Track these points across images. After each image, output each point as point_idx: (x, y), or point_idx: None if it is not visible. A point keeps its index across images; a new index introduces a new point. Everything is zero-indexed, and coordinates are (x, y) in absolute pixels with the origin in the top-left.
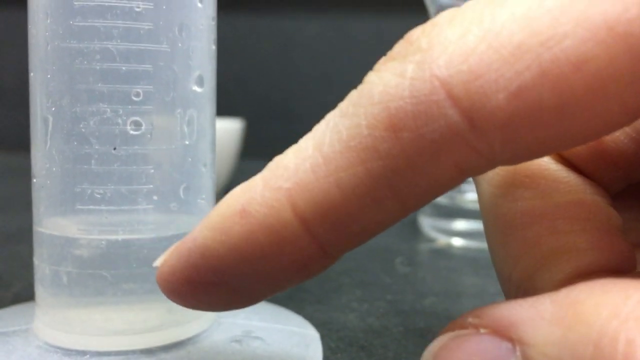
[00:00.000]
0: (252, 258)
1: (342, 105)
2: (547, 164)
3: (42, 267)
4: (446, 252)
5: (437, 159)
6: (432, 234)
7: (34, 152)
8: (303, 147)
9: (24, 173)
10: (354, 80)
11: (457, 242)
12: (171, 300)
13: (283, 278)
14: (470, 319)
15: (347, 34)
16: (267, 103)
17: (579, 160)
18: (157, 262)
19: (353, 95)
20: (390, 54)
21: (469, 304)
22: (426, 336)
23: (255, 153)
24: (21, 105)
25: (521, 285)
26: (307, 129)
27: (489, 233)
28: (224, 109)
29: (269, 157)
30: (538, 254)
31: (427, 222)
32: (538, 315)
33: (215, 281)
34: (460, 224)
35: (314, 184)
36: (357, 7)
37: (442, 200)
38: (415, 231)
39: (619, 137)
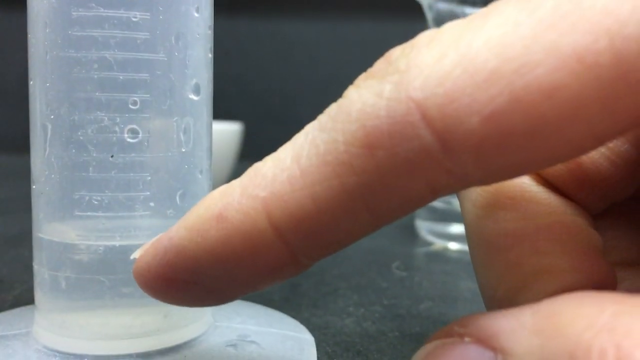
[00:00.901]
0: (226, 261)
1: (322, 119)
2: (528, 186)
3: (41, 271)
4: (442, 256)
5: (410, 178)
6: (429, 237)
7: (34, 158)
8: (282, 157)
9: (26, 175)
10: (349, 84)
11: (453, 246)
12: (146, 293)
13: (256, 281)
14: (456, 328)
15: (345, 38)
16: (266, 106)
17: (560, 182)
18: (135, 255)
19: (332, 110)
20: (370, 71)
21: (465, 308)
22: (422, 341)
23: (253, 156)
24: (23, 107)
25: (504, 304)
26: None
27: (473, 253)
28: (222, 112)
29: None
30: (520, 275)
31: (423, 226)
32: (519, 325)
33: (189, 280)
34: (457, 228)
35: (290, 195)
36: (355, 11)
37: (438, 204)
38: (412, 235)
39: (598, 160)
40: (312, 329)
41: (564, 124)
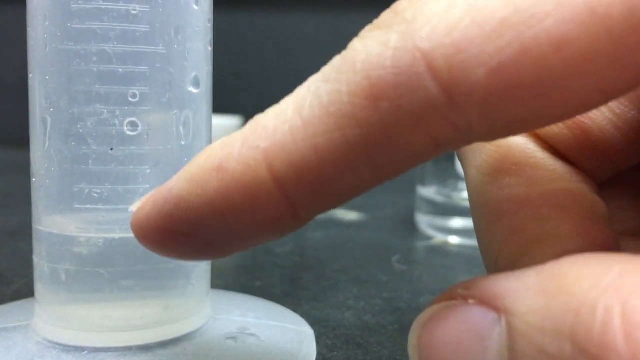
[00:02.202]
0: (225, 213)
1: (325, 70)
2: (533, 152)
3: (41, 264)
4: (443, 250)
5: (413, 131)
6: (429, 231)
7: (33, 152)
8: (284, 108)
9: (25, 169)
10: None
11: (453, 240)
12: (144, 246)
13: (254, 235)
14: (459, 291)
15: (345, 31)
16: (266, 100)
17: (566, 149)
18: (133, 207)
19: (336, 61)
20: (376, 22)
21: None
22: None
23: None
24: (21, 100)
25: (506, 270)
26: None
27: (476, 219)
28: (222, 106)
29: None
30: (523, 240)
31: (424, 220)
32: (523, 286)
33: (188, 232)
34: (457, 222)
35: (291, 147)
36: (356, 4)
37: (439, 198)
38: (412, 229)
39: (605, 126)
40: (312, 322)
41: (572, 78)
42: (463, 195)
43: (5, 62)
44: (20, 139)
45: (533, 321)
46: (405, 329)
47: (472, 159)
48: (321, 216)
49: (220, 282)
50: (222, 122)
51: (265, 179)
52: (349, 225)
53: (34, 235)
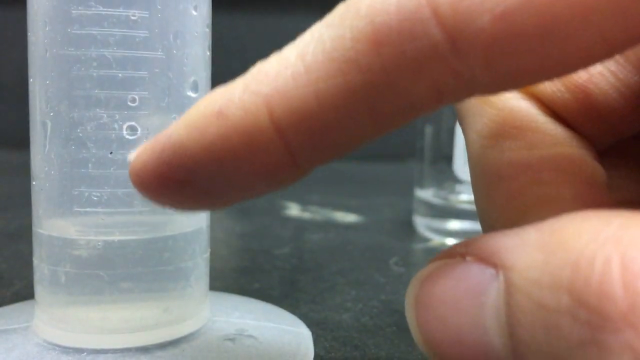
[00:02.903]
0: (224, 159)
1: (329, 17)
2: (535, 116)
3: (41, 267)
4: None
5: (416, 78)
6: (427, 233)
7: (34, 155)
8: (286, 55)
9: (23, 171)
10: None
11: (451, 242)
12: (141, 194)
13: (252, 183)
14: (457, 249)
15: None
16: None
17: (568, 114)
18: (131, 157)
19: (340, 8)
20: None
21: None
22: None
23: None
24: (21, 103)
25: None
26: None
27: (475, 184)
28: None
29: None
30: (522, 204)
31: (421, 222)
32: (522, 242)
33: (185, 179)
34: (454, 224)
35: (293, 92)
36: None
37: (436, 200)
38: (410, 231)
39: (607, 90)
40: (310, 324)
41: (576, 26)
42: (460, 198)
43: (5, 63)
44: (19, 140)
45: (531, 276)
46: (403, 331)
47: (473, 122)
48: (320, 218)
49: (219, 284)
50: None
51: (265, 125)
52: (347, 227)
53: (34, 238)
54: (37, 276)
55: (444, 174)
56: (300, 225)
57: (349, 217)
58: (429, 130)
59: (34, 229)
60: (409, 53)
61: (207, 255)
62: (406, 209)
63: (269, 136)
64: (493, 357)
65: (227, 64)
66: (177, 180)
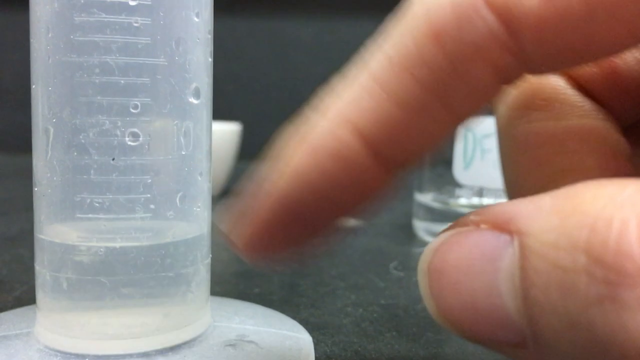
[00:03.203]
0: (322, 188)
1: (384, 35)
2: (563, 88)
3: (42, 273)
4: None
5: (476, 62)
6: (426, 237)
7: (36, 161)
8: (356, 78)
9: (24, 175)
10: None
11: None
12: (249, 257)
13: (351, 203)
14: (471, 217)
15: (343, 38)
16: (264, 106)
17: (595, 88)
18: (224, 226)
19: (393, 22)
20: None
21: None
22: (419, 341)
23: (251, 156)
24: (22, 107)
25: None
26: None
27: (503, 153)
28: (221, 112)
29: (263, 159)
30: (547, 172)
31: (421, 226)
32: (537, 208)
33: (291, 220)
34: None
35: (376, 110)
36: (354, 10)
37: (436, 204)
38: (410, 235)
39: (634, 66)
40: (311, 329)
41: (620, 8)
42: (460, 202)
43: (6, 68)
44: (20, 144)
45: (547, 239)
46: (403, 337)
47: (503, 95)
48: None
49: (219, 288)
50: (221, 127)
51: (356, 145)
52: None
53: (36, 244)
54: (38, 282)
55: (443, 178)
56: None
57: (350, 222)
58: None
59: (35, 234)
60: (467, 39)
61: (208, 261)
62: (405, 212)
63: (361, 154)
64: (507, 321)
65: (226, 69)
66: (283, 223)
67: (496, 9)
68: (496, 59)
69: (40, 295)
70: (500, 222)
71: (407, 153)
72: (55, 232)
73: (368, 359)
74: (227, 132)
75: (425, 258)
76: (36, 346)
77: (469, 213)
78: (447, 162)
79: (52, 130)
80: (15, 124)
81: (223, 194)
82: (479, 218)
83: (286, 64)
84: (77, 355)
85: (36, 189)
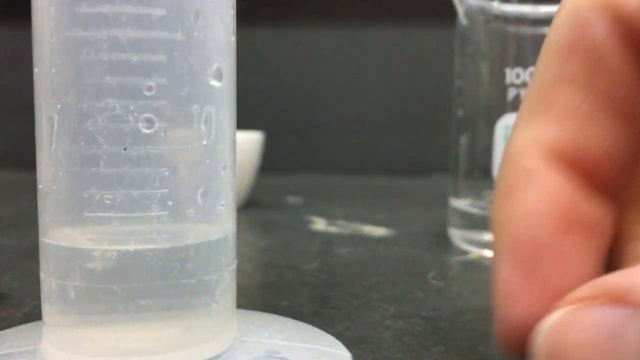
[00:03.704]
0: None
1: (538, 73)
2: None
3: (48, 281)
4: (479, 265)
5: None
6: (464, 246)
7: (39, 155)
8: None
9: (35, 190)
10: (373, 92)
11: (489, 254)
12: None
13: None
14: (581, 293)
15: (363, 47)
16: (286, 116)
17: None
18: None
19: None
20: None
21: None
22: (470, 357)
23: (273, 167)
24: (33, 122)
25: None
26: (325, 142)
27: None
28: (241, 123)
29: (287, 171)
30: None
31: (458, 234)
32: None
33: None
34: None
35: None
36: (375, 19)
37: (473, 210)
38: (446, 244)
39: None
40: (348, 344)
41: None
42: None
43: (19, 82)
44: (31, 162)
45: None
46: (451, 351)
47: None
48: (347, 232)
49: (244, 301)
50: (244, 137)
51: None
52: (377, 240)
53: (41, 249)
54: (44, 292)
55: (482, 182)
56: (327, 239)
57: (379, 231)
58: (464, 139)
59: (40, 239)
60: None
61: (233, 267)
62: (438, 221)
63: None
64: None
65: (245, 79)
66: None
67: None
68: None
69: (46, 307)
70: (618, 295)
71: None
72: (62, 234)
73: None
74: (249, 140)
75: (540, 341)
76: None
77: (576, 290)
78: (485, 165)
79: (56, 117)
80: (29, 139)
81: (246, 206)
82: (591, 292)
83: (308, 74)
84: None
85: (40, 186)
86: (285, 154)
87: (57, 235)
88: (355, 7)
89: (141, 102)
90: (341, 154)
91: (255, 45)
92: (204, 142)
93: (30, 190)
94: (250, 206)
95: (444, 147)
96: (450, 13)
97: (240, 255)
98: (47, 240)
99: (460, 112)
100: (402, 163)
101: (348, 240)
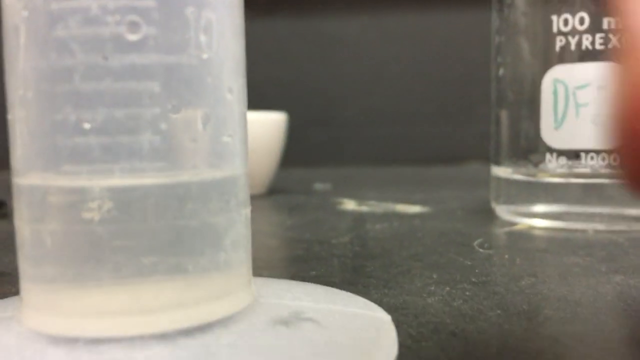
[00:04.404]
0: None
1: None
2: None
3: (22, 228)
4: (529, 235)
5: None
6: (511, 218)
7: (8, 77)
8: None
9: None
10: (397, 81)
11: (539, 223)
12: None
13: None
14: None
15: (390, 33)
16: (310, 107)
17: None
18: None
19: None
20: None
21: (579, 283)
22: (534, 320)
23: (300, 159)
24: None
25: None
26: (349, 133)
27: None
28: (267, 104)
29: (314, 164)
30: None
31: (501, 207)
32: None
33: None
34: (540, 208)
35: None
36: (399, 4)
37: (519, 177)
38: (489, 217)
39: None
40: (387, 310)
41: None
42: (551, 171)
43: None
44: None
45: None
46: (511, 315)
47: None
48: (380, 210)
49: (266, 273)
50: (268, 117)
51: None
52: (413, 217)
53: (14, 192)
54: (18, 243)
55: (528, 143)
56: (359, 217)
57: (413, 209)
58: (506, 101)
59: (12, 179)
60: None
61: (247, 212)
62: (477, 199)
63: None
64: None
65: (268, 67)
66: None
67: None
68: None
69: (20, 261)
70: None
71: None
72: (34, 170)
73: (471, 341)
74: (272, 120)
75: None
76: (16, 330)
77: None
78: (532, 125)
79: (22, 27)
80: None
81: (271, 192)
82: None
83: (330, 63)
84: (67, 339)
85: (9, 116)
86: (311, 146)
87: (29, 173)
88: None
89: (123, 0)
90: (369, 145)
91: (281, 35)
92: (204, 56)
93: None
94: (275, 193)
95: (478, 136)
96: None
97: (262, 233)
98: (18, 180)
99: (501, 72)
100: (434, 151)
101: (380, 217)
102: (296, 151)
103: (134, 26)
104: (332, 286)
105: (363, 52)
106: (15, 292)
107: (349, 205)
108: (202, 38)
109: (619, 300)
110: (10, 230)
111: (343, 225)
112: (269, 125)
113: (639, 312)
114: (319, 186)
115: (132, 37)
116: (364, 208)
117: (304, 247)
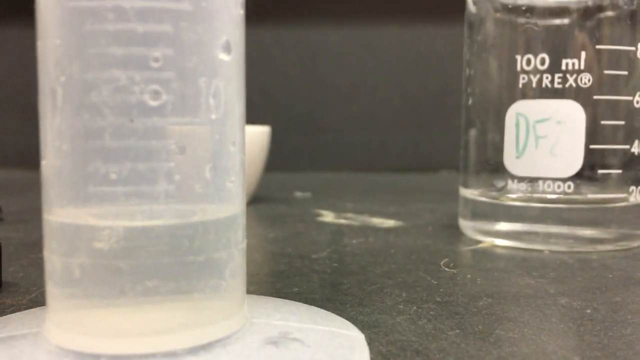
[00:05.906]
0: None
1: None
2: None
3: (52, 259)
4: (492, 254)
5: None
6: (476, 236)
7: (43, 131)
8: None
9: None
10: (379, 90)
11: (501, 242)
12: None
13: None
14: None
15: (371, 45)
16: (292, 114)
17: None
18: None
19: None
20: None
21: (529, 304)
22: (488, 340)
23: (280, 165)
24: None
25: None
26: (331, 139)
27: None
28: (249, 120)
29: (294, 169)
30: None
31: (469, 225)
32: None
33: None
34: (504, 226)
35: None
36: (381, 18)
37: (484, 199)
38: (457, 234)
39: None
40: (361, 328)
41: None
42: (512, 196)
43: (25, 82)
44: (39, 160)
45: None
46: (468, 335)
47: None
48: (357, 224)
49: (254, 288)
50: (252, 130)
51: None
52: (387, 231)
53: (45, 227)
54: (47, 271)
55: (492, 171)
56: (337, 230)
57: (388, 223)
58: (473, 128)
59: (44, 216)
60: None
61: (243, 246)
62: (447, 214)
63: None
64: None
65: (252, 75)
66: None
67: None
68: None
69: (49, 286)
70: None
71: None
72: (66, 211)
73: (432, 359)
74: (256, 134)
75: None
76: (45, 347)
77: None
78: (496, 153)
79: (59, 90)
80: (35, 139)
81: (254, 201)
82: None
83: (314, 72)
84: (91, 355)
85: (44, 162)
86: (293, 152)
87: (61, 212)
88: (364, 5)
89: (147, 73)
90: (348, 152)
91: (264, 43)
92: (213, 117)
93: (37, 188)
94: (258, 201)
95: (451, 145)
96: (458, 10)
97: (248, 246)
98: (50, 218)
99: (470, 101)
100: (409, 160)
101: (358, 231)
102: (278, 156)
103: (155, 94)
104: (313, 303)
105: (344, 63)
106: (26, 303)
107: (328, 217)
108: (212, 102)
109: (561, 323)
110: (8, 237)
111: (322, 239)
112: (253, 139)
113: (577, 334)
114: (299, 195)
115: (154, 103)
116: (342, 221)
117: (286, 261)
